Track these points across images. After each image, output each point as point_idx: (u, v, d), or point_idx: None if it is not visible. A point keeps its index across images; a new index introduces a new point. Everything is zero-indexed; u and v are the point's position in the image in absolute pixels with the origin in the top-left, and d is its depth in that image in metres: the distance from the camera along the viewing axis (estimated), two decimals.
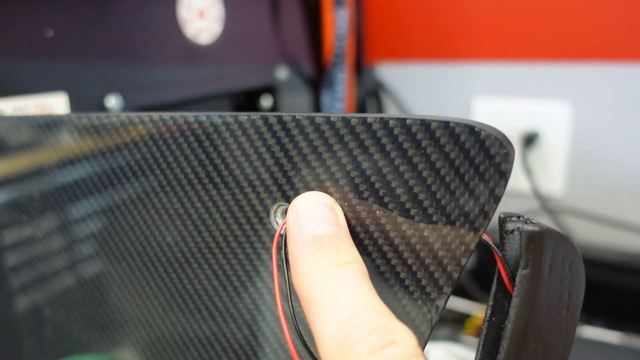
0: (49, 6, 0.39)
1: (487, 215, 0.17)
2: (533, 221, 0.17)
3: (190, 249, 0.25)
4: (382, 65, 0.77)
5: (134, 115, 0.25)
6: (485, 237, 0.18)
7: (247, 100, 0.63)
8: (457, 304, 0.61)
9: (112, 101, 0.44)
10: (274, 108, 0.63)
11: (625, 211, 0.64)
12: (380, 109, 0.78)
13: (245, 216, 0.22)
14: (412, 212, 0.18)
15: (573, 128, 0.65)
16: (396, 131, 0.18)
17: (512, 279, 0.18)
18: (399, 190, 0.18)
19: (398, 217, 0.19)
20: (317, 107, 0.73)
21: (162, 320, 0.27)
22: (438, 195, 0.18)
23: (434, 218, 0.18)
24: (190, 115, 0.23)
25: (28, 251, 0.32)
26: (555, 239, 0.17)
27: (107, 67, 0.44)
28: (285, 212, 0.21)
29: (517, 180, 0.68)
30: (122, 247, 0.27)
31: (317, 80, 0.73)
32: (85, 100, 0.42)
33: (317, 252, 0.18)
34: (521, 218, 0.18)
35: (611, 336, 0.56)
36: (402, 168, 0.18)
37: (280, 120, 0.20)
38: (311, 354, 0.19)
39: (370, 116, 0.19)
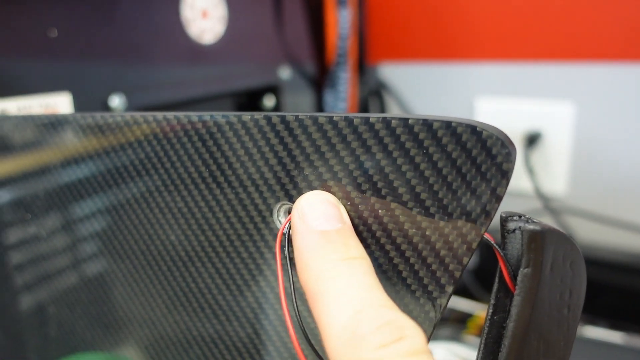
0: (52, 6, 0.39)
1: (488, 215, 0.17)
2: (534, 220, 0.18)
3: (194, 248, 0.25)
4: (385, 65, 0.77)
5: (138, 114, 0.25)
6: (487, 236, 0.18)
7: (249, 100, 0.63)
8: (460, 303, 0.61)
9: (116, 101, 0.44)
10: (276, 108, 0.64)
11: (627, 211, 0.64)
12: (382, 109, 0.78)
13: (249, 215, 0.23)
14: (415, 211, 0.18)
15: (575, 128, 0.65)
16: (398, 131, 0.18)
17: (514, 277, 0.18)
18: (401, 190, 0.19)
19: (400, 216, 0.19)
20: (320, 107, 0.73)
21: (166, 318, 0.27)
22: (440, 195, 0.18)
23: (436, 217, 0.18)
24: (194, 115, 0.23)
25: (33, 249, 0.33)
26: (557, 238, 0.17)
27: (111, 67, 0.44)
28: (289, 212, 0.21)
29: (519, 180, 0.68)
30: (126, 246, 0.28)
31: (320, 80, 0.73)
32: (89, 100, 0.42)
33: (325, 246, 0.18)
34: (523, 217, 0.18)
35: (614, 336, 0.56)
36: (404, 167, 0.18)
37: (283, 120, 0.20)
38: (315, 351, 0.19)
39: (373, 116, 0.19)
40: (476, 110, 0.71)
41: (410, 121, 0.18)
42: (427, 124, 0.18)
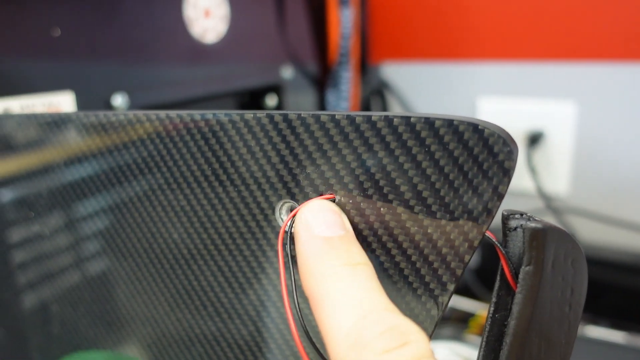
0: (56, 6, 0.39)
1: (490, 213, 0.17)
2: (536, 218, 0.18)
3: (196, 246, 0.25)
4: (387, 65, 0.77)
5: (140, 113, 0.25)
6: (488, 234, 0.18)
7: (252, 99, 0.63)
8: (462, 303, 0.61)
9: (119, 100, 0.44)
10: (279, 107, 0.64)
11: (630, 211, 0.64)
12: (384, 109, 0.78)
13: (251, 213, 0.23)
14: (416, 209, 0.19)
15: (578, 128, 0.65)
16: (400, 129, 0.18)
17: (515, 276, 0.18)
18: (403, 188, 0.19)
19: (402, 214, 0.19)
20: (322, 106, 0.73)
21: (168, 316, 0.27)
22: (442, 193, 0.18)
23: (438, 215, 0.18)
24: (196, 113, 0.23)
25: (35, 248, 0.33)
26: (558, 236, 0.18)
27: (114, 66, 0.45)
28: (291, 209, 0.21)
29: (521, 180, 0.68)
30: (128, 244, 0.28)
31: (322, 79, 0.73)
32: (92, 99, 0.43)
33: (329, 252, 0.18)
34: (524, 215, 0.18)
35: (616, 336, 0.56)
36: (406, 166, 0.18)
37: (285, 118, 0.20)
38: (317, 349, 0.19)
39: (375, 114, 0.19)
40: (478, 110, 0.71)
41: (412, 119, 0.18)
42: (429, 122, 0.18)
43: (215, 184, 0.23)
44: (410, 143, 0.18)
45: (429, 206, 0.18)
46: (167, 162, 0.24)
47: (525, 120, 0.68)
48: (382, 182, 0.19)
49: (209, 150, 0.23)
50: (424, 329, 0.19)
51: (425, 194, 0.18)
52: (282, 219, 0.22)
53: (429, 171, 0.18)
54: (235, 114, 0.22)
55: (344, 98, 0.72)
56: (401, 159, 0.18)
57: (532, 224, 0.17)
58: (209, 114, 0.22)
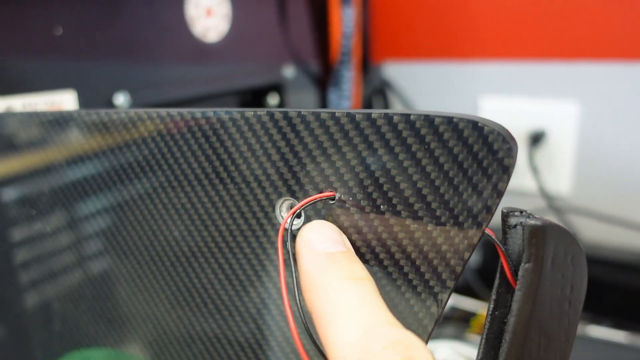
0: (58, 4, 0.40)
1: (490, 210, 0.17)
2: (535, 216, 0.18)
3: (197, 244, 0.25)
4: (389, 64, 0.77)
5: (141, 111, 0.25)
6: (488, 231, 0.18)
7: (253, 99, 0.63)
8: (463, 302, 0.61)
9: (120, 99, 0.44)
10: (280, 106, 0.64)
11: (632, 210, 0.64)
12: (386, 108, 0.78)
13: (251, 211, 0.23)
14: (416, 206, 0.19)
15: (580, 127, 0.65)
16: (400, 127, 0.18)
17: (515, 273, 0.18)
18: (402, 185, 0.19)
19: (402, 211, 0.19)
20: (324, 105, 0.73)
21: (169, 314, 0.28)
22: (442, 190, 0.18)
23: (438, 212, 0.18)
24: (197, 111, 0.23)
25: (37, 246, 0.33)
26: (558, 233, 0.18)
27: (116, 65, 0.45)
28: (291, 207, 0.21)
29: (523, 180, 0.68)
30: (129, 242, 0.28)
31: (324, 78, 0.73)
32: (94, 98, 0.43)
33: (331, 266, 0.18)
34: (524, 213, 0.18)
35: (618, 335, 0.55)
36: (406, 163, 0.18)
37: (286, 115, 0.20)
38: (317, 346, 0.19)
39: (375, 112, 0.19)
40: (480, 110, 0.71)
41: (412, 117, 0.18)
42: (428, 119, 0.18)
43: (216, 181, 0.23)
44: (410, 141, 0.18)
45: (429, 203, 0.18)
46: (167, 160, 0.24)
47: (527, 119, 0.68)
48: (381, 180, 0.19)
49: (210, 148, 0.23)
50: (424, 325, 0.19)
51: (424, 191, 0.18)
52: (282, 217, 0.22)
53: (428, 169, 0.18)
54: (235, 111, 0.22)
55: (346, 97, 0.72)
56: (401, 157, 0.18)
57: (532, 221, 0.17)
58: (209, 111, 0.22)
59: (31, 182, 0.31)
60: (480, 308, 0.60)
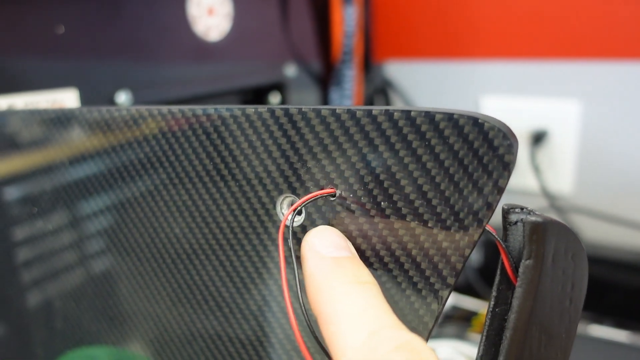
0: (60, 3, 0.40)
1: (490, 207, 0.17)
2: (536, 212, 0.18)
3: (198, 241, 0.25)
4: (391, 63, 0.77)
5: (143, 108, 0.25)
6: (489, 228, 0.18)
7: (255, 97, 0.63)
8: (464, 301, 0.61)
9: (122, 97, 0.44)
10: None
11: (634, 210, 0.64)
12: None
13: (252, 208, 0.23)
14: (416, 203, 0.19)
15: (582, 126, 0.65)
16: (401, 123, 0.18)
17: (516, 270, 0.18)
18: (403, 182, 0.19)
19: (402, 208, 0.19)
20: (325, 104, 0.73)
21: (170, 311, 0.28)
22: (442, 187, 0.18)
23: (438, 209, 0.18)
24: (198, 108, 0.23)
25: (39, 244, 0.33)
26: (558, 230, 0.18)
27: (118, 64, 0.45)
28: (292, 204, 0.22)
29: (525, 179, 0.68)
30: (130, 239, 0.28)
31: (326, 77, 0.73)
32: (96, 97, 0.43)
33: (337, 270, 0.18)
34: (524, 209, 0.18)
35: (620, 335, 0.55)
36: (406, 159, 0.18)
37: (287, 112, 0.20)
38: (319, 342, 0.19)
39: (376, 108, 0.19)
40: (482, 109, 0.71)
41: (412, 113, 0.18)
42: (429, 116, 0.18)
43: (217, 178, 0.23)
44: (410, 137, 0.18)
45: (429, 200, 0.18)
46: (169, 157, 0.24)
47: (529, 118, 0.68)
48: (382, 176, 0.19)
49: (211, 145, 0.23)
50: (424, 323, 0.19)
51: (425, 188, 0.18)
52: (282, 213, 0.22)
53: (429, 165, 0.18)
54: (237, 108, 0.22)
55: (347, 96, 0.72)
56: (401, 153, 0.18)
57: (532, 218, 0.17)
58: (210, 108, 0.22)
59: (33, 180, 0.32)
60: (481, 307, 0.60)
